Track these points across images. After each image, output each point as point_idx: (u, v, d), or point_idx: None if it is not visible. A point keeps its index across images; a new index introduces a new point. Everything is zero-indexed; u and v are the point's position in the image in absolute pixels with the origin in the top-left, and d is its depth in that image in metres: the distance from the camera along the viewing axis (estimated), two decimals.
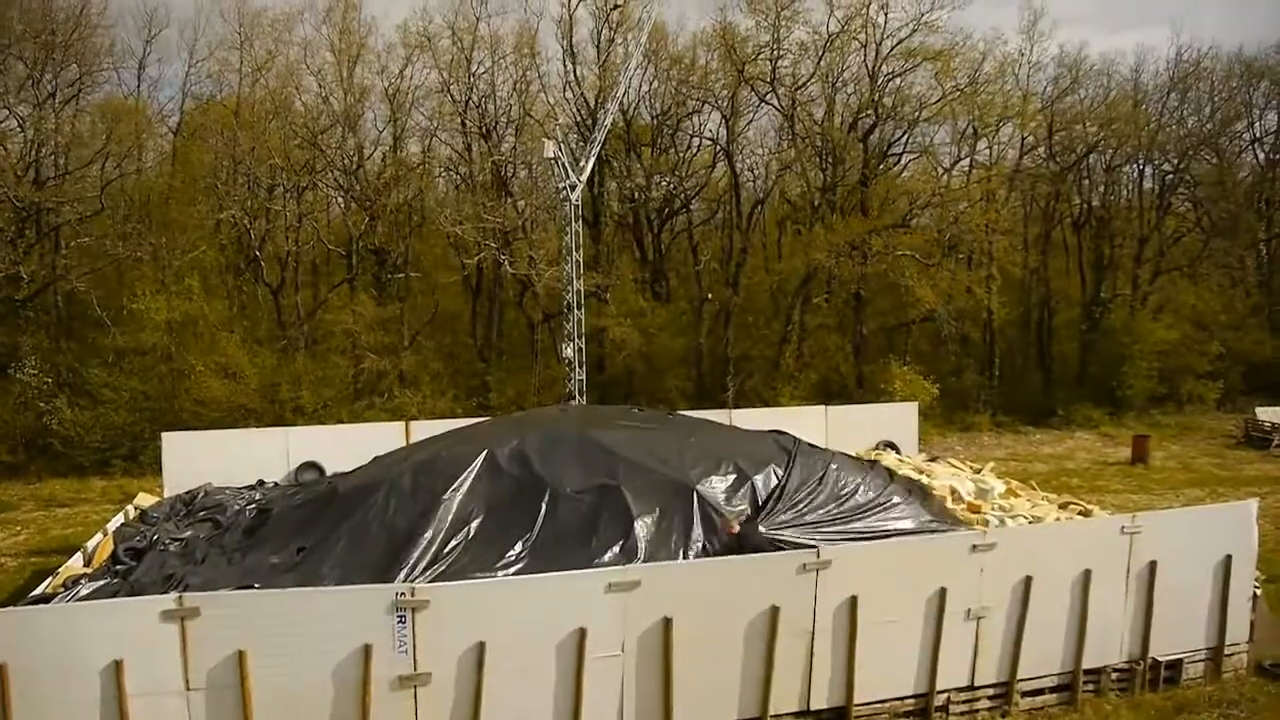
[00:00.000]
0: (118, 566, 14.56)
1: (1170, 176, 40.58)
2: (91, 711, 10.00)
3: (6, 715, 9.72)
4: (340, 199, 36.87)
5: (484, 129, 36.30)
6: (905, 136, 37.88)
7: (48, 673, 9.85)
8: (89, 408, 29.44)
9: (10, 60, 31.91)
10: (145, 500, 18.54)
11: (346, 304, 33.90)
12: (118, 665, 9.95)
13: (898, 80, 36.70)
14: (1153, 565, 13.31)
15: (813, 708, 12.09)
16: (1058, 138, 39.42)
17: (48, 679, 9.85)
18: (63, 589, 13.53)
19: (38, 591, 13.71)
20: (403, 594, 10.53)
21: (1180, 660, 13.72)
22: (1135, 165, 41.35)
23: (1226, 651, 13.93)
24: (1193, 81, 39.76)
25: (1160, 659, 13.58)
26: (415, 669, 10.63)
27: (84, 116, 33.88)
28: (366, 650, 10.41)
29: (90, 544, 15.87)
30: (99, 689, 9.98)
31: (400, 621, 10.48)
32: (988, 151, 39.60)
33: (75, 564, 15.06)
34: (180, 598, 10.26)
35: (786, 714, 12.01)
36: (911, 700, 12.53)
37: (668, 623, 11.25)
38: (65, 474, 28.57)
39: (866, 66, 36.70)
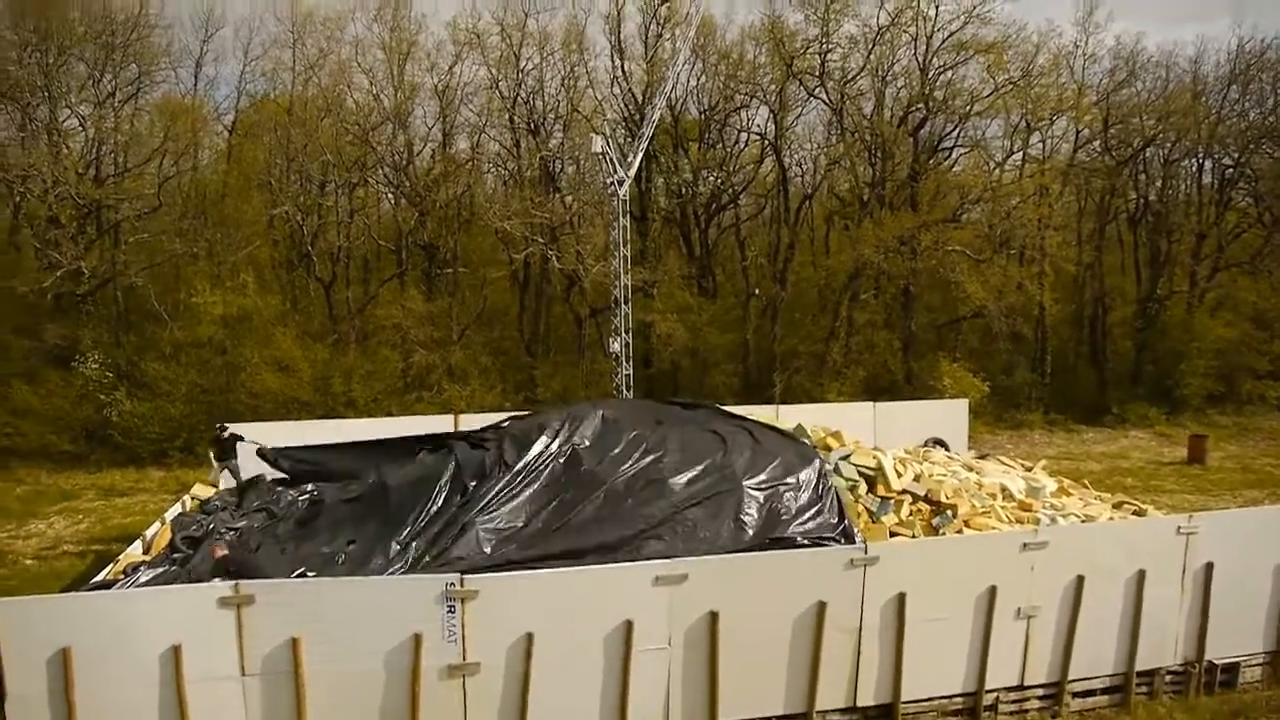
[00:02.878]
0: (175, 555, 14.86)
1: (1230, 170, 39.60)
2: (150, 694, 10.27)
3: (69, 697, 10.02)
4: (390, 195, 37.36)
5: (532, 125, 36.50)
6: (956, 130, 37.38)
7: (109, 656, 10.13)
8: (147, 400, 30.10)
9: (72, 61, 32.69)
10: (203, 491, 18.91)
11: (396, 299, 34.32)
12: (176, 650, 10.20)
13: (949, 74, 36.21)
14: (1209, 567, 13.06)
15: (859, 704, 12.06)
16: (1114, 131, 38.65)
17: (108, 662, 10.13)
18: (123, 575, 13.85)
19: (99, 577, 14.06)
20: (452, 584, 10.67)
21: (1237, 664, 13.47)
22: (1194, 159, 40.39)
23: None
24: (1255, 73, 38.64)
25: (1216, 662, 13.35)
26: (464, 659, 10.77)
27: (142, 115, 34.60)
28: (416, 639, 10.57)
29: (149, 532, 16.22)
30: (158, 673, 10.24)
31: (450, 611, 10.62)
32: (1041, 145, 38.98)
33: (135, 551, 15.41)
34: (236, 585, 10.48)
35: (833, 710, 11.99)
36: (960, 699, 12.43)
37: (714, 616, 11.28)
38: (124, 464, 29.23)
39: (917, 60, 36.31)
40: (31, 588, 17.00)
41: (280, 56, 35.84)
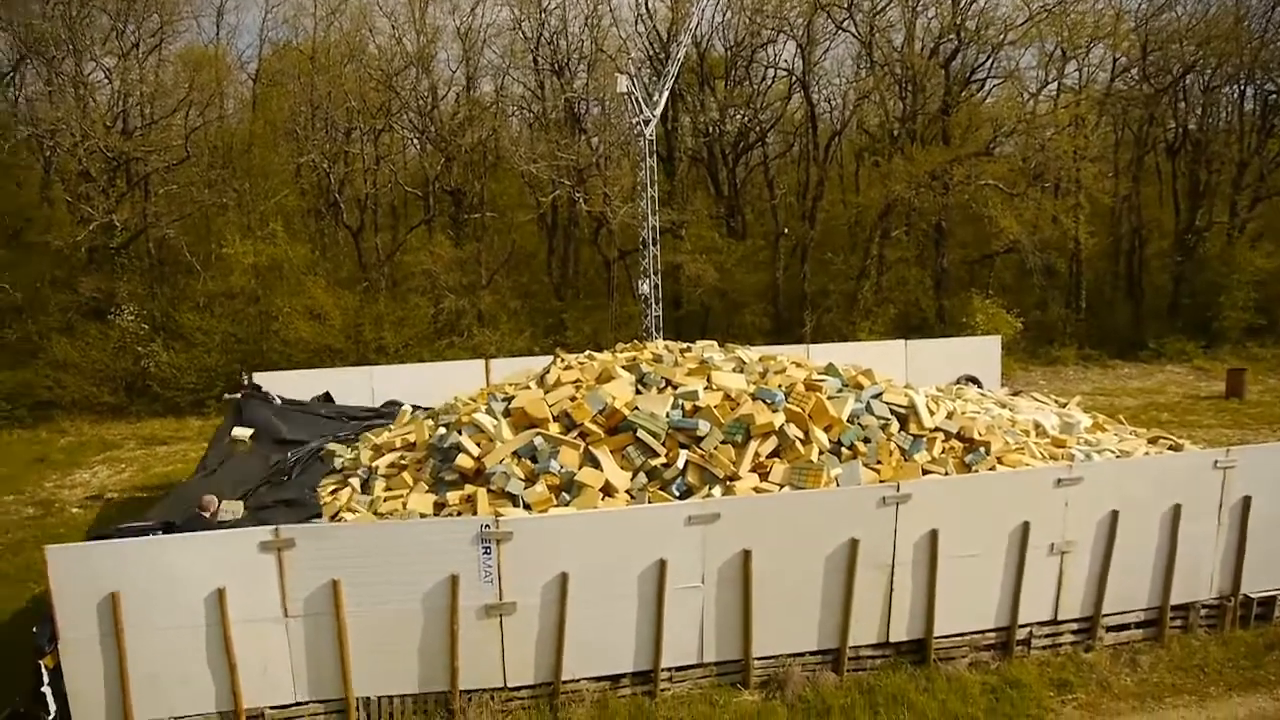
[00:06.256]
0: None
1: (1274, 97, 38.43)
2: (197, 637, 10.56)
3: (119, 640, 10.31)
4: (416, 140, 37.23)
5: (556, 66, 36.08)
6: (989, 61, 36.52)
7: (156, 600, 10.39)
8: (183, 350, 30.52)
9: (95, 12, 32.61)
10: (243, 433, 19.15)
11: (424, 245, 34.36)
12: (220, 593, 10.45)
13: (982, 1, 35.32)
14: (1246, 501, 12.97)
15: (892, 639, 12.16)
16: (1152, 58, 37.54)
17: (156, 606, 10.40)
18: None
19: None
20: (487, 526, 10.81)
21: (1274, 597, 13.44)
22: (1235, 86, 39.20)
23: None
24: None
25: (1252, 596, 13.30)
26: (500, 599, 10.96)
27: (167, 66, 34.58)
28: (453, 580, 10.76)
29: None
30: (204, 615, 10.52)
31: (485, 552, 10.78)
32: (1077, 74, 38.04)
33: None
34: (277, 530, 10.69)
35: (866, 645, 12.11)
36: (993, 633, 12.50)
37: (747, 555, 11.37)
38: (164, 414, 29.75)
39: None
40: (79, 535, 17.42)
41: (301, 2, 35.73)
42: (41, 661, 10.47)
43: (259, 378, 21.84)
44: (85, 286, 31.11)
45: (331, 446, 17.02)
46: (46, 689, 10.40)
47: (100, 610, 10.28)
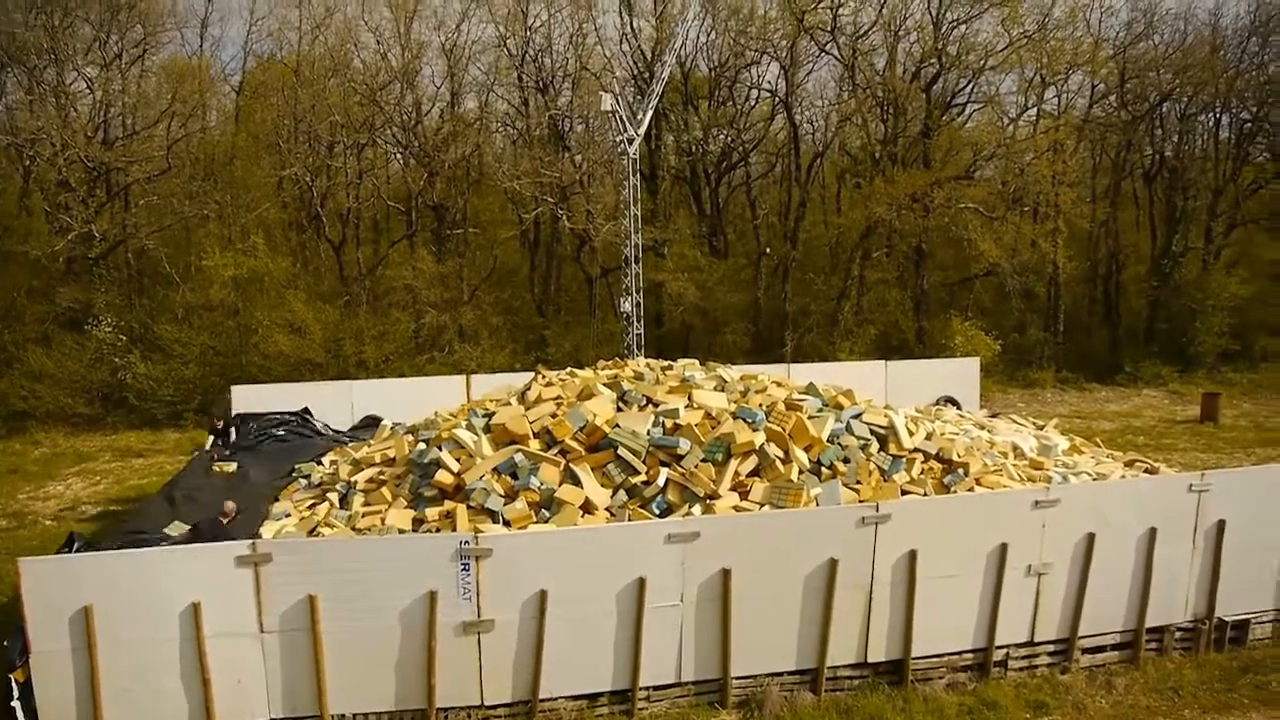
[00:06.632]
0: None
1: (1249, 125, 39.06)
2: (171, 651, 10.44)
3: (92, 654, 10.19)
4: (399, 155, 37.21)
5: (540, 83, 36.20)
6: (970, 86, 36.94)
7: (130, 614, 10.29)
8: (161, 362, 30.30)
9: (78, 22, 32.53)
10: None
11: (406, 260, 34.30)
12: (195, 608, 10.35)
13: (963, 27, 35.71)
14: (1221, 524, 13.08)
15: (870, 660, 12.17)
16: (1130, 85, 38.07)
17: (130, 620, 10.29)
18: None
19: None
20: (466, 542, 10.77)
21: (1247, 621, 13.53)
22: (1211, 114, 39.80)
23: None
24: (1276, 24, 37.96)
25: (1226, 619, 13.40)
26: (479, 615, 10.90)
27: (149, 77, 34.52)
28: (431, 597, 10.70)
29: None
30: (178, 630, 10.41)
31: (464, 569, 10.74)
32: (1056, 100, 38.51)
33: None
34: (254, 544, 10.61)
35: (844, 665, 12.11)
36: (970, 655, 12.53)
37: (726, 574, 11.37)
38: (140, 426, 29.49)
39: (930, 13, 35.73)
40: (52, 548, 17.21)
41: (286, 15, 35.70)
42: (12, 675, 10.33)
43: (237, 391, 21.81)
44: (63, 297, 30.87)
45: (302, 467, 17.01)
46: (16, 703, 10.26)
47: (73, 624, 10.16)
